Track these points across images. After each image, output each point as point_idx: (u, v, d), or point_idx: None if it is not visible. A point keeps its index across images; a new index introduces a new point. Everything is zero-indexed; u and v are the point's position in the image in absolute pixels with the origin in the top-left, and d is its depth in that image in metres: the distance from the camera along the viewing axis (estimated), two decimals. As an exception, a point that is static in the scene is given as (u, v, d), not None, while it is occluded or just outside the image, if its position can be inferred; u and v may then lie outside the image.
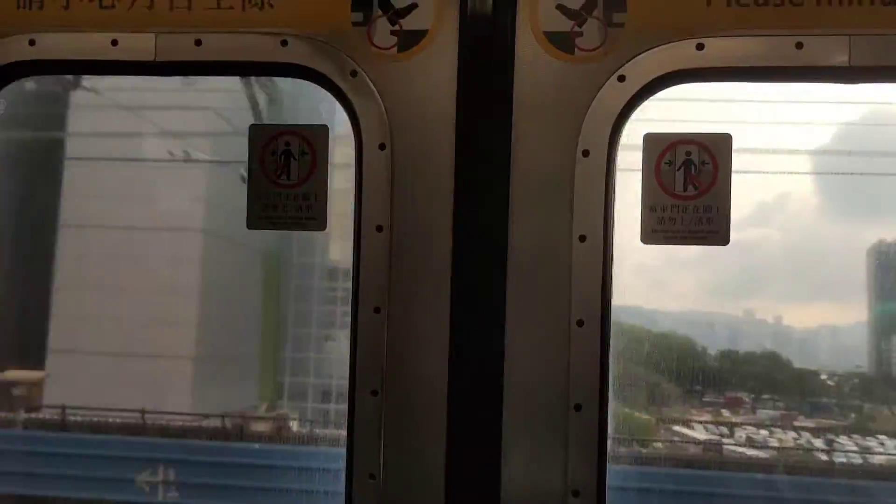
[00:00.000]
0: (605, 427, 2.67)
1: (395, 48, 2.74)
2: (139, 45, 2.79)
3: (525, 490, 2.68)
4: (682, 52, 2.65)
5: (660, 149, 2.68)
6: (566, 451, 2.66)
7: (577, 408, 2.65)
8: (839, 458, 11.65)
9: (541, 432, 2.68)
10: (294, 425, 15.20)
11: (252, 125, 2.81)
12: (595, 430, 2.65)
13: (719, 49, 2.64)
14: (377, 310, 2.72)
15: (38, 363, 15.89)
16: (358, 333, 2.73)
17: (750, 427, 12.99)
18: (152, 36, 2.79)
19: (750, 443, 12.47)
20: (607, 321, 2.67)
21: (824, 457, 11.95)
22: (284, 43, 2.75)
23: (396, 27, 2.73)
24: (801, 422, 13.00)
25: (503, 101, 2.70)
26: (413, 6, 2.72)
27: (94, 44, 2.82)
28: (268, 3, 2.76)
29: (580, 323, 2.66)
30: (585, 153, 2.67)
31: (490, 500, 2.69)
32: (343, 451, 2.75)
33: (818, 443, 12.20)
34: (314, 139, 2.79)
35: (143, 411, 13.50)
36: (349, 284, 2.78)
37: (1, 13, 2.83)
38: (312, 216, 2.79)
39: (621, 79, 2.66)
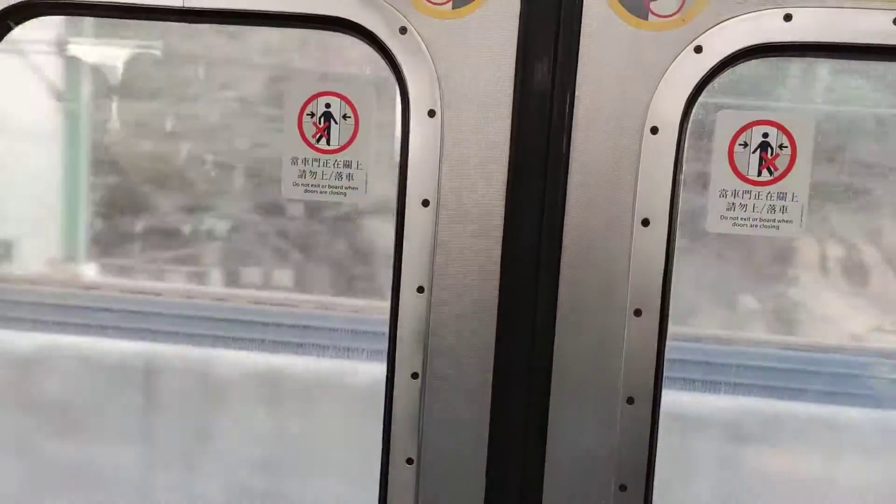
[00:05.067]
0: (657, 420, 2.55)
1: (450, 3, 2.47)
2: None
3: (570, 477, 2.59)
4: (767, 23, 2.40)
5: (735, 129, 2.47)
6: (616, 444, 2.55)
7: (630, 400, 2.53)
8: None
9: (590, 426, 2.55)
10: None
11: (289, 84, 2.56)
12: (647, 423, 2.54)
13: (808, 21, 2.39)
14: (420, 289, 2.55)
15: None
16: (399, 313, 2.57)
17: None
18: None
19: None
20: (667, 310, 2.52)
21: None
22: None
23: None
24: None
25: (567, 69, 2.46)
26: None
27: None
28: None
29: (637, 312, 2.50)
30: (654, 130, 2.45)
31: (533, 486, 2.60)
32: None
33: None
34: (358, 101, 2.55)
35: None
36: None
37: None
38: (353, 185, 2.58)
39: (698, 50, 2.42)
